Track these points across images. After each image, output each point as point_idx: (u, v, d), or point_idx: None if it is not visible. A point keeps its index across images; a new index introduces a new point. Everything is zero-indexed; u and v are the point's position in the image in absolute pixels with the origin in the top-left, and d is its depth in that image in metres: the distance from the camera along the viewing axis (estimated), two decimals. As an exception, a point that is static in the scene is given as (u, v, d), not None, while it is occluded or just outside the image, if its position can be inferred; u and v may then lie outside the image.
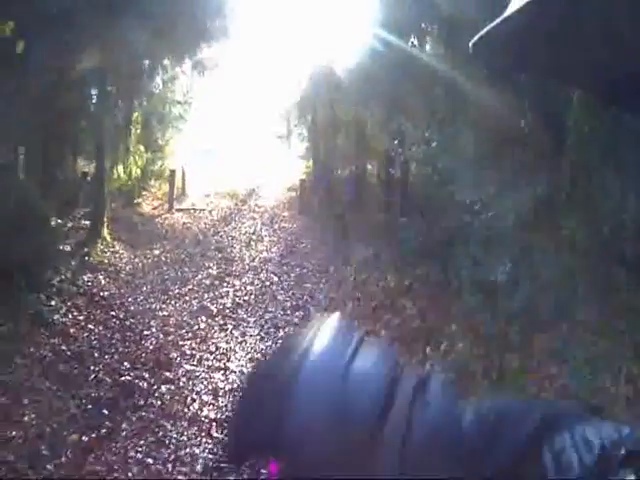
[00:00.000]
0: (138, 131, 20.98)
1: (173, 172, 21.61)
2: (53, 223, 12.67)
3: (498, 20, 0.92)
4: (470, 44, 0.97)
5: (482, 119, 11.83)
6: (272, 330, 10.79)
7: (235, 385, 8.75)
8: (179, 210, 20.11)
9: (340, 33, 20.71)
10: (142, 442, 7.25)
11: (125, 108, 19.62)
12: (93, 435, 7.26)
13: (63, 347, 9.37)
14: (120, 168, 18.49)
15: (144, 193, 20.39)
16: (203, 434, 7.50)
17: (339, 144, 23.05)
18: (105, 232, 14.67)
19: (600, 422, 0.91)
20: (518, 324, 9.22)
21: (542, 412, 0.93)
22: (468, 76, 12.12)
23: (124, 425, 7.58)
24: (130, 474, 6.67)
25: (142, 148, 20.62)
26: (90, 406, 7.93)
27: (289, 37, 28.28)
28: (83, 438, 7.17)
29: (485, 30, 0.94)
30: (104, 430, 7.40)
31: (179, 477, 6.66)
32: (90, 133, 16.37)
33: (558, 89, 10.03)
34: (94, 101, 16.35)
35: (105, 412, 7.81)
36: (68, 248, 12.98)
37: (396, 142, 16.56)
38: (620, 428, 0.88)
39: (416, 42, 15.99)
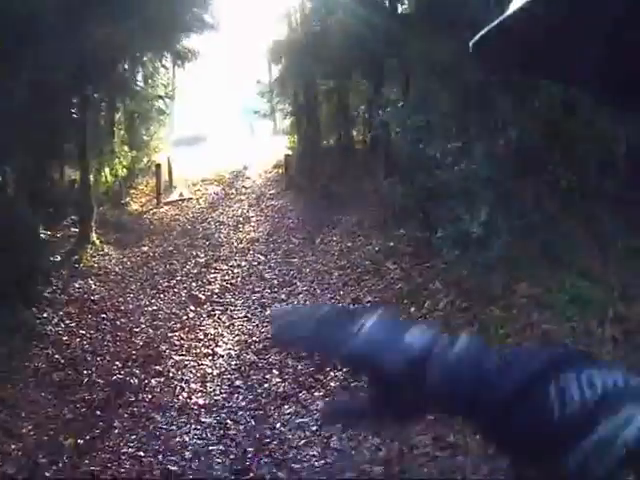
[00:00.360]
0: (122, 131, 21.01)
1: (159, 166, 21.57)
2: (43, 235, 12.73)
3: (498, 20, 0.92)
4: (470, 44, 0.98)
5: (452, 72, 11.78)
6: (258, 310, 10.88)
7: (222, 369, 8.90)
8: (167, 203, 20.11)
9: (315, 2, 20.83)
10: (134, 437, 7.39)
11: (108, 110, 19.61)
12: (88, 437, 7.38)
13: (57, 356, 9.47)
14: (107, 170, 18.49)
15: (132, 191, 20.32)
16: (192, 421, 7.63)
17: (323, 115, 23.06)
18: (94, 236, 14.71)
19: (606, 367, 0.97)
20: (499, 274, 9.23)
21: (550, 354, 1.01)
22: (435, 32, 12.10)
23: (116, 423, 7.70)
24: (123, 470, 6.80)
25: (126, 148, 20.55)
26: (84, 409, 8.06)
27: (266, 12, 28.14)
28: (78, 441, 7.27)
29: (485, 30, 0.95)
30: (98, 431, 7.53)
31: (170, 467, 6.78)
32: (75, 140, 16.32)
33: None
34: (76, 108, 16.26)
35: (98, 413, 7.95)
36: (59, 258, 13.03)
37: (374, 105, 16.55)
38: (626, 375, 0.95)
39: (388, 3, 16.10)
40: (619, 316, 7.75)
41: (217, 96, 35.14)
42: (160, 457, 6.96)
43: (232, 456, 6.84)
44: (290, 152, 22.94)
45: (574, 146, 10.51)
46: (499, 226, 9.68)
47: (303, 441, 6.94)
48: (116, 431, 7.55)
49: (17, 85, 11.79)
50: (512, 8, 0.89)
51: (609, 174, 9.75)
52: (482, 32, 0.94)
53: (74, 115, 15.99)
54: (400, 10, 16.31)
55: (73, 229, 14.81)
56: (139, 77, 21.75)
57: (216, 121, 32.55)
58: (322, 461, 6.55)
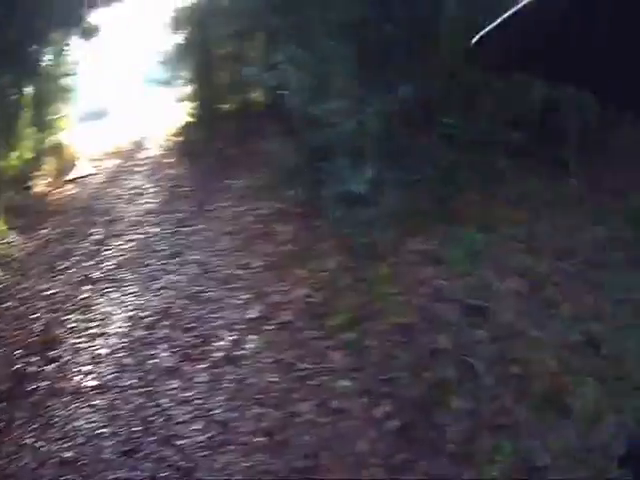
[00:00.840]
0: (28, 113, 20.41)
1: (62, 145, 20.99)
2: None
3: (498, 20, 0.93)
4: (471, 44, 0.98)
5: (351, 29, 11.55)
6: (150, 283, 10.62)
7: (114, 349, 8.68)
8: (68, 182, 19.34)
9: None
10: (34, 427, 7.21)
11: (14, 92, 19.01)
12: (-3, 430, 7.26)
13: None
14: (13, 154, 18.05)
15: (36, 173, 19.69)
16: (84, 405, 7.45)
17: (222, 81, 22.73)
18: (3, 220, 14.28)
19: None
20: (388, 231, 9.11)
21: None
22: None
23: (18, 414, 7.50)
24: (25, 461, 6.64)
25: (32, 129, 20.06)
26: (-9, 402, 7.88)
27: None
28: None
29: (485, 30, 0.95)
30: (2, 423, 7.35)
31: (65, 454, 6.61)
32: None
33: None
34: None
35: (3, 405, 7.73)
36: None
37: (270, 67, 16.25)
38: None
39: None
40: (524, 270, 7.71)
41: (122, 68, 34.38)
42: (55, 445, 6.80)
43: (121, 437, 6.71)
44: (190, 119, 22.63)
45: (476, 98, 10.44)
46: (386, 182, 9.54)
47: (187, 416, 6.84)
48: (18, 422, 7.35)
49: None
50: (512, 9, 0.89)
51: (520, 128, 9.68)
52: (483, 32, 0.96)
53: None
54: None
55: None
56: (46, 56, 21.06)
57: (120, 94, 31.97)
58: (206, 435, 6.47)
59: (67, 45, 21.80)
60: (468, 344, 6.66)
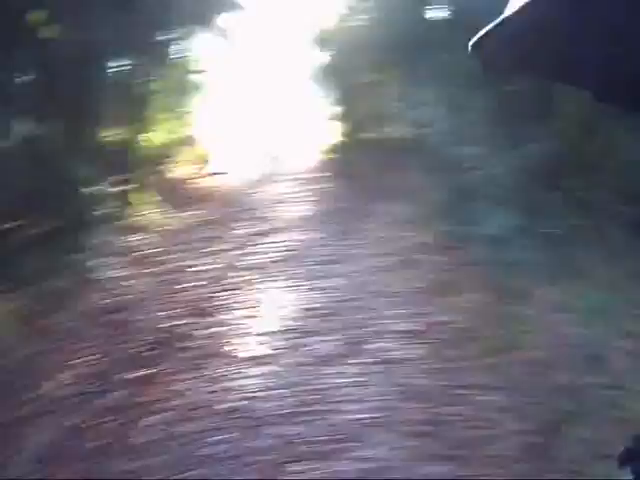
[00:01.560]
0: (161, 99, 21.46)
1: (198, 138, 22.14)
2: (96, 188, 13.44)
3: (498, 20, 0.93)
4: (470, 44, 1.00)
5: (483, 79, 12.42)
6: (303, 282, 11.53)
7: (269, 331, 9.55)
8: (209, 174, 20.61)
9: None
10: (184, 377, 8.16)
11: (150, 77, 20.00)
12: (140, 374, 8.17)
13: (108, 300, 10.26)
14: (148, 135, 18.95)
15: (173, 158, 20.61)
16: (238, 371, 8.35)
17: (364, 109, 23.41)
18: (143, 196, 15.53)
19: None
20: (524, 276, 10.01)
21: None
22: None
23: (167, 364, 8.47)
24: (174, 403, 7.58)
25: (166, 116, 21.02)
26: (137, 349, 8.84)
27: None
28: (131, 377, 8.09)
29: (485, 30, 0.95)
30: (150, 370, 8.31)
31: (216, 406, 7.53)
32: (114, 103, 16.70)
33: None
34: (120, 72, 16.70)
35: (150, 354, 8.73)
36: (110, 210, 13.78)
37: (408, 104, 16.99)
38: None
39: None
40: (638, 334, 8.38)
41: (258, 78, 35.03)
42: (211, 397, 7.70)
43: (279, 401, 7.59)
44: (333, 141, 23.41)
45: (600, 166, 11.18)
46: (526, 231, 10.65)
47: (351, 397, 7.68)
48: (168, 371, 8.31)
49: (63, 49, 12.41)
50: (512, 8, 0.91)
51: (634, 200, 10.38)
52: (482, 32, 0.97)
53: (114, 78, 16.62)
54: (435, 16, 16.89)
55: (122, 187, 15.40)
56: (176, 49, 22.02)
57: (258, 102, 32.68)
58: (367, 415, 7.27)
59: (197, 41, 22.82)
60: (587, 385, 7.47)
